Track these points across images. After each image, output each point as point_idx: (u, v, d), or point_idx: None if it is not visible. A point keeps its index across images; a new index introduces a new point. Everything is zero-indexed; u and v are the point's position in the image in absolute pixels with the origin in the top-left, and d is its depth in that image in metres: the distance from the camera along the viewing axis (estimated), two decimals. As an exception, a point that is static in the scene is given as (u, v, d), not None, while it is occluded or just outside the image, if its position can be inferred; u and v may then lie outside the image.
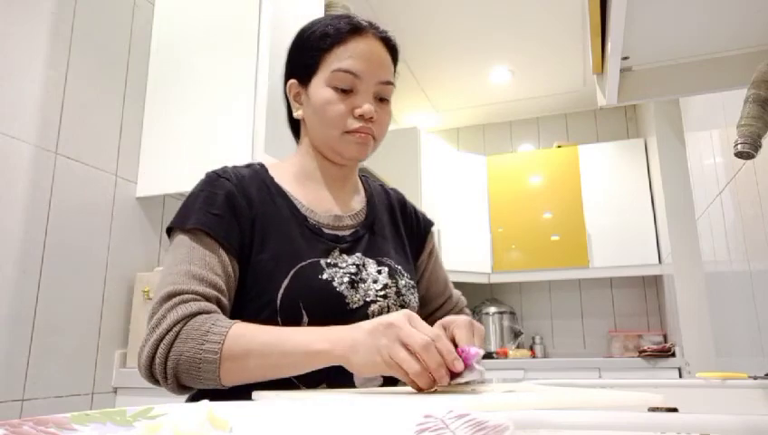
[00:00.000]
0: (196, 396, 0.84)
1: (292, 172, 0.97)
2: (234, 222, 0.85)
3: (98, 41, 1.74)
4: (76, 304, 1.60)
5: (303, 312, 0.82)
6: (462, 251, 3.80)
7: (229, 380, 0.74)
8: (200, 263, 0.80)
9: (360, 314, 0.86)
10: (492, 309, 3.87)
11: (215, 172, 0.91)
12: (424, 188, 3.50)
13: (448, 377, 0.61)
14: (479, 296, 4.00)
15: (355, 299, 0.86)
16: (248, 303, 0.84)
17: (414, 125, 4.05)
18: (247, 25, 1.82)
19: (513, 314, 3.91)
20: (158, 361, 0.75)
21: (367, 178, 1.09)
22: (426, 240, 1.11)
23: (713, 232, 1.87)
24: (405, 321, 0.64)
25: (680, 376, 3.00)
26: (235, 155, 1.71)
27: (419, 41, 3.37)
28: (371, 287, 0.89)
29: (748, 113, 0.79)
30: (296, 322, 0.82)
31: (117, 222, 1.75)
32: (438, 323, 0.76)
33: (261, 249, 0.85)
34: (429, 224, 1.13)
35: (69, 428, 0.34)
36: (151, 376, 0.77)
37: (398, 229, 1.05)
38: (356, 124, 0.88)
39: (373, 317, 0.81)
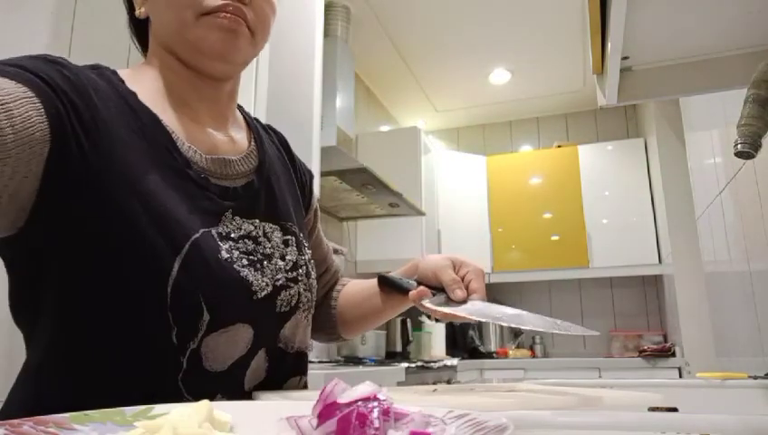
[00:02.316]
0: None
1: (156, 89, 0.67)
2: (69, 118, 0.54)
3: (98, 41, 1.74)
4: (76, 303, 1.60)
5: (204, 307, 0.57)
6: (462, 251, 3.78)
7: None
8: None
9: (269, 304, 0.64)
10: (492, 309, 3.87)
11: (47, 55, 0.61)
12: (424, 188, 3.51)
13: None
14: (479, 296, 3.99)
15: (262, 285, 0.62)
16: (117, 296, 0.55)
17: (414, 125, 4.05)
18: (247, 25, 1.82)
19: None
20: None
21: (242, 108, 0.81)
22: (312, 196, 0.86)
23: (713, 232, 1.87)
24: None
25: (680, 376, 3.01)
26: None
27: (419, 41, 3.37)
28: (279, 266, 0.66)
29: (748, 113, 0.79)
30: (194, 321, 0.57)
31: (117, 222, 1.75)
32: (449, 259, 0.71)
33: (123, 209, 0.55)
34: (312, 175, 0.88)
35: (69, 428, 0.34)
36: None
37: (291, 180, 0.79)
38: (218, 1, 0.62)
39: (281, 309, 0.65)
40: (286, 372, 0.69)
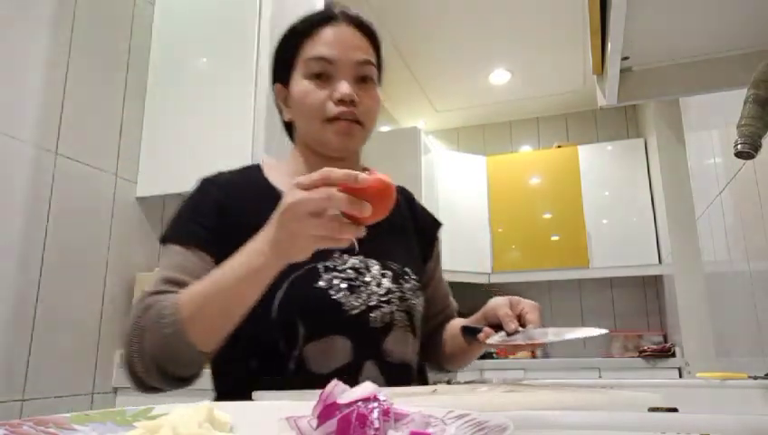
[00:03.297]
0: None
1: (286, 172, 0.93)
2: (223, 230, 0.83)
3: (98, 41, 1.74)
4: (76, 304, 1.60)
5: (300, 324, 0.80)
6: (462, 251, 3.80)
7: (204, 342, 0.72)
8: (179, 268, 0.80)
9: (361, 320, 0.83)
10: (492, 309, 3.87)
11: (206, 179, 0.90)
12: (424, 188, 3.50)
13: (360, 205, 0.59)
14: (479, 296, 3.99)
15: (355, 305, 0.83)
16: (243, 318, 0.79)
17: (414, 125, 4.05)
18: (247, 25, 1.82)
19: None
20: (136, 362, 0.74)
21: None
22: (435, 243, 1.10)
23: (713, 232, 1.87)
24: (295, 196, 0.61)
25: (680, 376, 3.00)
26: (235, 155, 1.71)
27: (419, 41, 3.37)
28: (374, 292, 0.86)
29: (748, 113, 0.79)
30: (294, 333, 0.80)
31: (117, 222, 1.75)
32: (507, 299, 0.85)
33: None
34: (438, 225, 1.13)
35: (69, 428, 0.34)
36: (139, 381, 0.75)
37: (405, 229, 1.01)
38: (336, 110, 0.85)
39: (375, 325, 0.84)
40: (400, 383, 0.84)
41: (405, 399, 0.55)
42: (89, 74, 1.70)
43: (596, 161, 3.84)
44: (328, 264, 0.84)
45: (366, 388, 0.34)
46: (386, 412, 0.32)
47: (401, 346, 0.87)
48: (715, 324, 2.01)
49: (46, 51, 1.57)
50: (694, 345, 2.81)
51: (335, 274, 0.84)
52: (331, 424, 0.32)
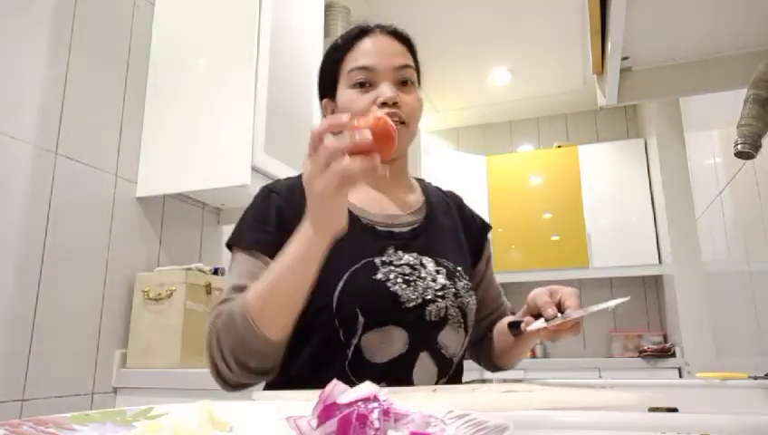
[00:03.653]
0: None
1: None
2: (285, 236, 0.85)
3: (98, 41, 1.74)
4: (76, 304, 1.60)
5: (359, 313, 0.84)
6: (462, 251, 3.80)
7: (274, 331, 0.77)
8: (248, 275, 0.85)
9: (417, 312, 0.86)
10: (492, 309, 3.87)
11: (266, 187, 0.96)
12: (424, 188, 3.50)
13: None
14: (479, 296, 3.99)
15: (411, 297, 0.86)
16: (304, 309, 0.84)
17: (414, 125, 4.05)
18: (247, 25, 1.82)
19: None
20: (219, 364, 0.81)
21: (422, 180, 1.11)
22: (484, 245, 1.12)
23: (713, 232, 1.87)
24: (306, 168, 0.67)
25: (680, 376, 3.00)
26: (235, 155, 1.71)
27: (419, 41, 3.36)
28: (430, 286, 0.89)
29: (748, 113, 0.79)
30: (353, 323, 0.84)
31: (117, 222, 1.75)
32: (546, 288, 0.87)
33: None
34: (488, 227, 1.14)
35: (69, 428, 0.34)
36: (223, 379, 0.82)
37: (456, 230, 1.05)
38: (381, 113, 0.88)
39: (430, 318, 0.87)
40: (453, 377, 0.91)
41: (405, 399, 0.55)
42: (89, 74, 1.70)
43: (596, 161, 3.84)
44: (384, 258, 0.89)
45: (366, 388, 0.34)
46: (386, 412, 0.32)
47: (454, 341, 0.91)
48: (715, 324, 2.01)
49: (46, 50, 1.57)
50: (694, 345, 2.81)
51: (391, 268, 0.88)
52: (331, 424, 0.32)
